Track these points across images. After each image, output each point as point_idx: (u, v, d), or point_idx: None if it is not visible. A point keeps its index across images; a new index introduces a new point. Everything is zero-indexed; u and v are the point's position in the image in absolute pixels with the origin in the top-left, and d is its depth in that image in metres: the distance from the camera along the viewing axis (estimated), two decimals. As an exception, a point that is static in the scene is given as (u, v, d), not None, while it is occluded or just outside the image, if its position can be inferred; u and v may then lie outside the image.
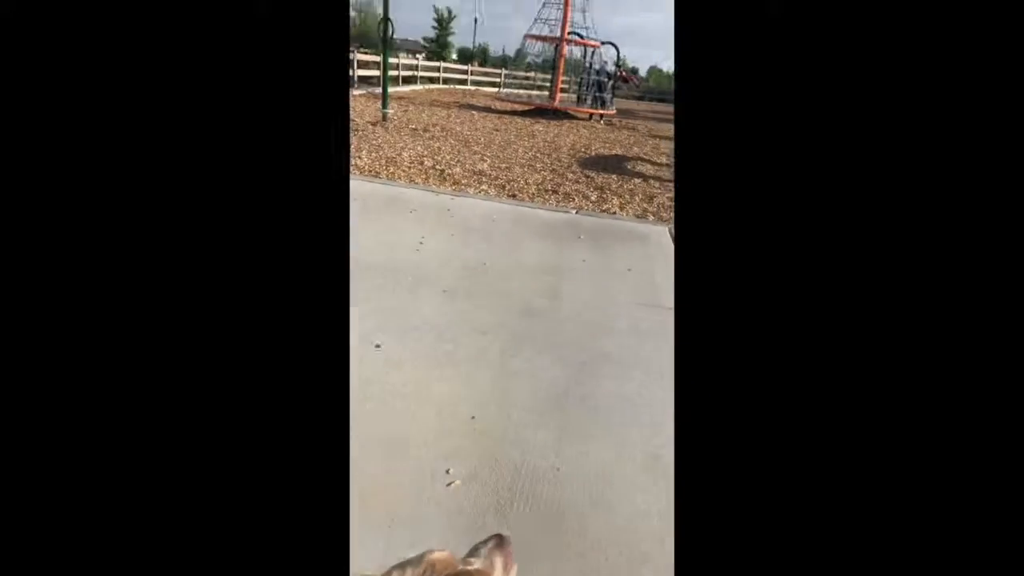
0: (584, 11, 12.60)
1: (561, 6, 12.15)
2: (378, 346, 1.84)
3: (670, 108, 18.95)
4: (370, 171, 4.70)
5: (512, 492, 1.31)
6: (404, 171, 4.85)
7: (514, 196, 4.48)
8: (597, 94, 12.70)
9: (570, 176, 5.48)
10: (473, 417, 1.55)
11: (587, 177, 5.51)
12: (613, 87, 12.87)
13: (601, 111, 12.16)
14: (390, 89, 7.68)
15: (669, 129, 11.50)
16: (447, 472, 1.34)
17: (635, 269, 2.85)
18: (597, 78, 12.93)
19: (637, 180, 5.65)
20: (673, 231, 3.65)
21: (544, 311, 2.26)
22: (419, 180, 4.61)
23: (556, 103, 12.61)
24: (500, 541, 0.59)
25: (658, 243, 3.36)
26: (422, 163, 5.27)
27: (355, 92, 10.08)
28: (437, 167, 5.17)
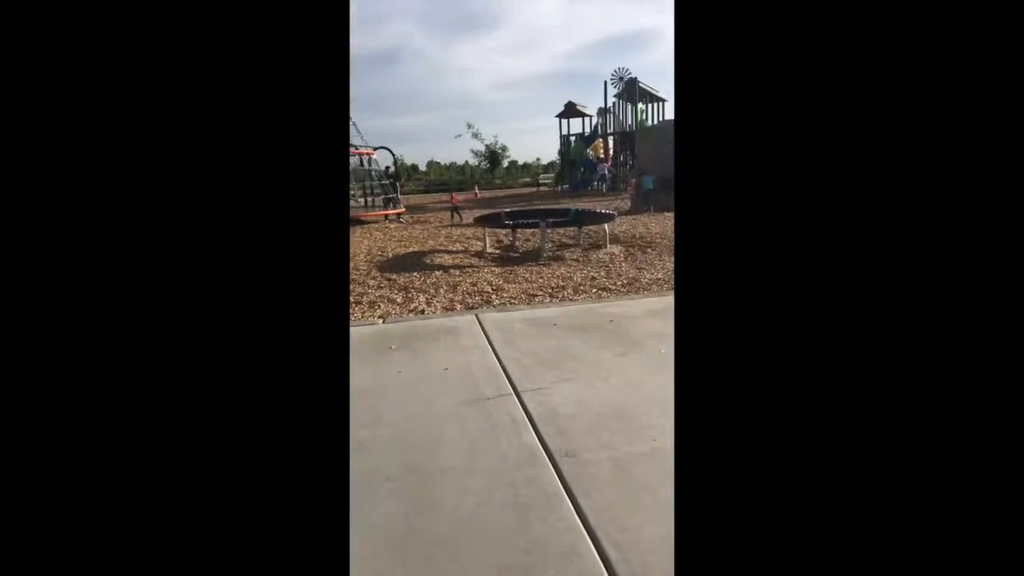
0: (352, 123, 13.09)
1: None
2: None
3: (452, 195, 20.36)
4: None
5: None
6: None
7: (316, 318, 4.24)
8: (384, 196, 13.10)
9: (371, 283, 5.43)
10: (303, 607, 1.32)
11: (389, 280, 5.52)
12: (396, 186, 13.43)
13: (392, 211, 12.52)
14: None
15: (456, 217, 12.29)
16: None
17: (452, 367, 2.86)
18: (381, 181, 13.39)
19: (438, 272, 5.84)
20: (479, 317, 3.80)
21: (368, 444, 2.10)
22: (200, 327, 4.09)
23: (345, 211, 12.64)
24: None
25: (469, 332, 3.45)
26: (202, 306, 4.71)
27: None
28: (221, 306, 4.67)
